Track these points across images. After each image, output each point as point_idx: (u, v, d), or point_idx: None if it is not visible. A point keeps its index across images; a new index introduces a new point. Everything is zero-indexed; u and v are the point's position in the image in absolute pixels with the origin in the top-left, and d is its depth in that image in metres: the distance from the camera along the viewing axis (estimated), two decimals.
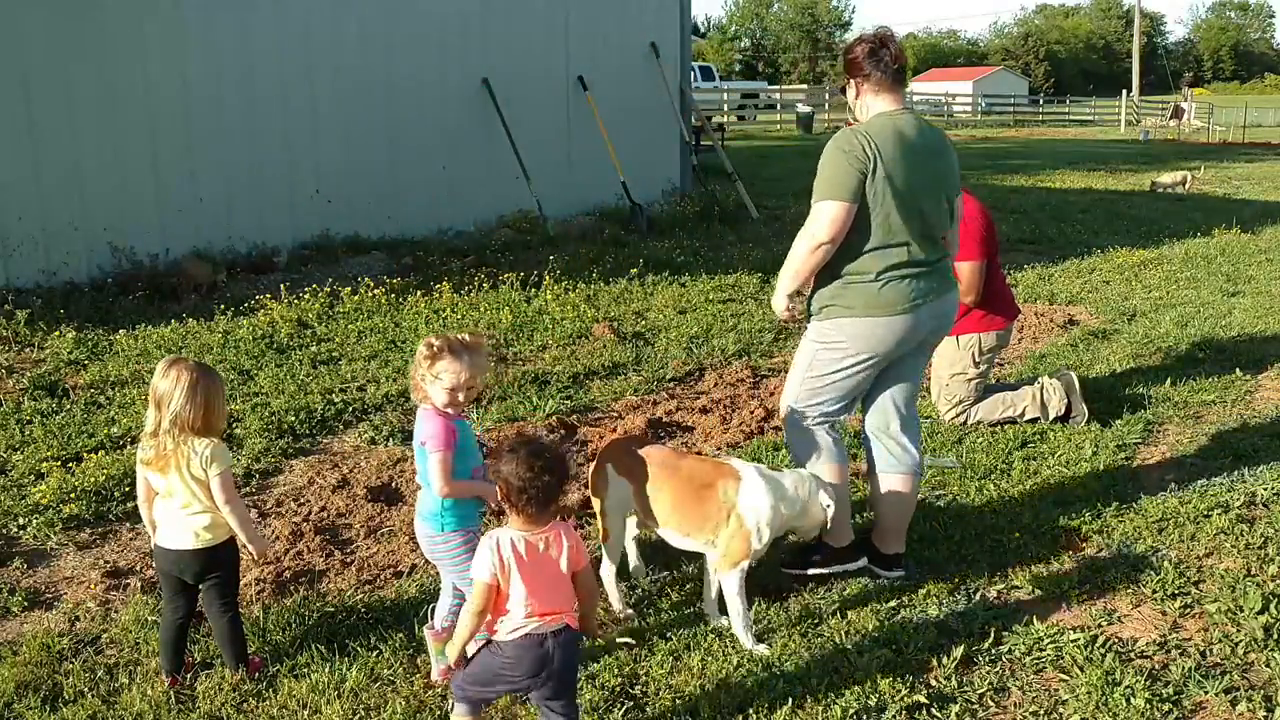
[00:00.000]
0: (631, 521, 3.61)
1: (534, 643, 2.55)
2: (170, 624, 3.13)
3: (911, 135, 3.44)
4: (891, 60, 3.48)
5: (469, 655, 2.66)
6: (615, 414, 5.64)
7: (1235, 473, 4.67)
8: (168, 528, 3.06)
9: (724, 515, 3.27)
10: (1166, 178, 17.52)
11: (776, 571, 3.75)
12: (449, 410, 2.98)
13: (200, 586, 3.10)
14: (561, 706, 2.64)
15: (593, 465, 3.61)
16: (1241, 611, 3.45)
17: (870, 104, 3.55)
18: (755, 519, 3.25)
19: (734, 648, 3.26)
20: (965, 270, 5.13)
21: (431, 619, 3.18)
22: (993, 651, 3.27)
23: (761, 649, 3.25)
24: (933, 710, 2.97)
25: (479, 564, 2.54)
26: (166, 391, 2.96)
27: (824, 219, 3.36)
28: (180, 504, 3.01)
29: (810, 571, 3.72)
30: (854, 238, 3.40)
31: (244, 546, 3.12)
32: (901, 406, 3.70)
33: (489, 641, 2.60)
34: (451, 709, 2.76)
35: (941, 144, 3.57)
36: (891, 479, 3.71)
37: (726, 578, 3.26)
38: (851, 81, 3.59)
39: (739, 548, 3.25)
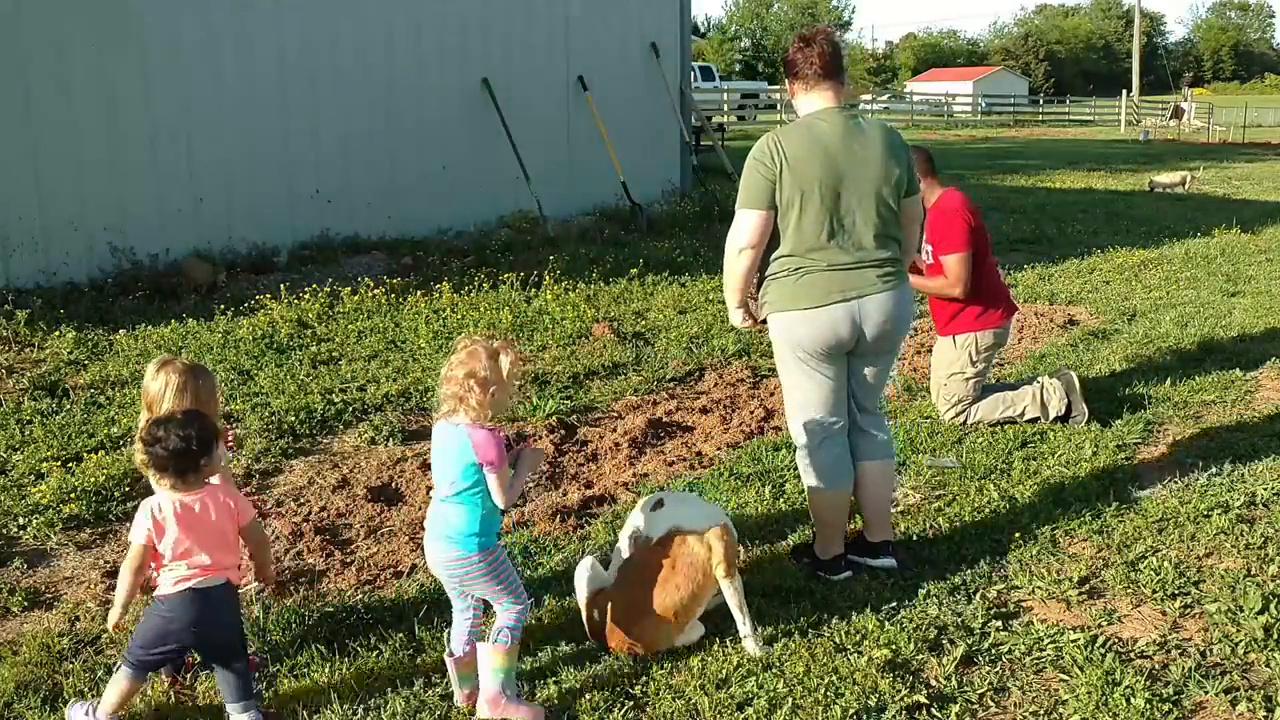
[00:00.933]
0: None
1: (194, 596, 2.73)
2: None
3: (830, 136, 3.43)
4: (816, 58, 3.48)
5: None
6: (615, 414, 5.64)
7: (1235, 473, 4.67)
8: None
9: (705, 551, 3.24)
10: (1166, 178, 17.52)
11: (776, 573, 3.75)
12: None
13: None
14: (229, 664, 2.79)
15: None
16: (1241, 611, 3.45)
17: (801, 103, 3.58)
18: (719, 533, 3.25)
19: (734, 648, 3.26)
20: (951, 262, 5.13)
21: (450, 645, 3.03)
22: (993, 651, 3.27)
23: (765, 650, 3.24)
24: (933, 710, 2.97)
25: (136, 527, 2.73)
26: (157, 395, 2.96)
27: (740, 227, 3.47)
28: None
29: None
30: (775, 240, 3.48)
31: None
32: (864, 401, 3.73)
33: (150, 601, 2.79)
34: (115, 669, 2.85)
35: (879, 142, 3.48)
36: (862, 467, 3.74)
37: (734, 583, 3.25)
38: (788, 82, 3.64)
39: (730, 556, 3.25)
